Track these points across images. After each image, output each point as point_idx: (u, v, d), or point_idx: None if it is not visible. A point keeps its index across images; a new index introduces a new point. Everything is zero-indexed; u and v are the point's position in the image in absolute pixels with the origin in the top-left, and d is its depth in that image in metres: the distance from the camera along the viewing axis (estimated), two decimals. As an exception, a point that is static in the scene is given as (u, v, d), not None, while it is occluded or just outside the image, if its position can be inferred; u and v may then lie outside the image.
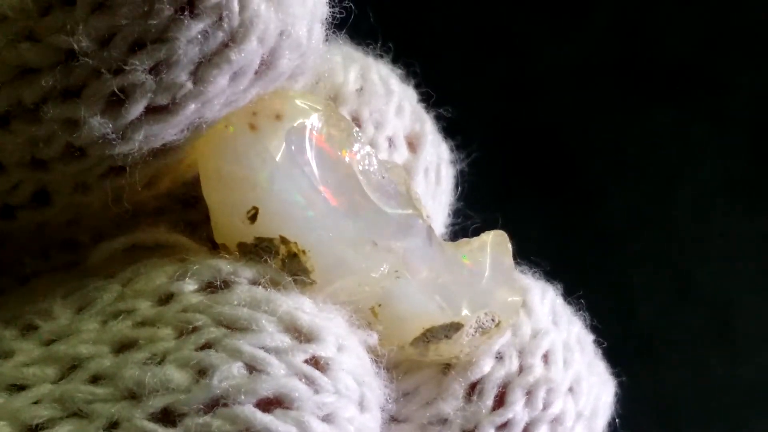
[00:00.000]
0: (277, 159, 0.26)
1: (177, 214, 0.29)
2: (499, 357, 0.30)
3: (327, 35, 0.31)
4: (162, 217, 0.29)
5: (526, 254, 0.33)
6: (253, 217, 0.26)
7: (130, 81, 0.25)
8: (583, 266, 0.80)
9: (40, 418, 0.24)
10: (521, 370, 0.30)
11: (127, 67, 0.25)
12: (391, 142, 0.32)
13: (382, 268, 0.27)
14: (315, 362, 0.25)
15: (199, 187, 0.27)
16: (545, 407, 0.30)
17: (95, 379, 0.25)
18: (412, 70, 0.34)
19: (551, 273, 0.33)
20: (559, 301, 0.33)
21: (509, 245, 0.30)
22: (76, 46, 0.24)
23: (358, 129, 0.29)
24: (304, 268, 0.27)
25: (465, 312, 0.29)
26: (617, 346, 0.34)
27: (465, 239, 0.30)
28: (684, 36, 0.84)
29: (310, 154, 0.27)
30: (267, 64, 0.26)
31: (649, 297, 0.81)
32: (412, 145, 0.33)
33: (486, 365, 0.30)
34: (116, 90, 0.25)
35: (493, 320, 0.29)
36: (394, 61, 0.34)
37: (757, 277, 0.82)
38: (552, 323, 0.31)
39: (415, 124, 0.33)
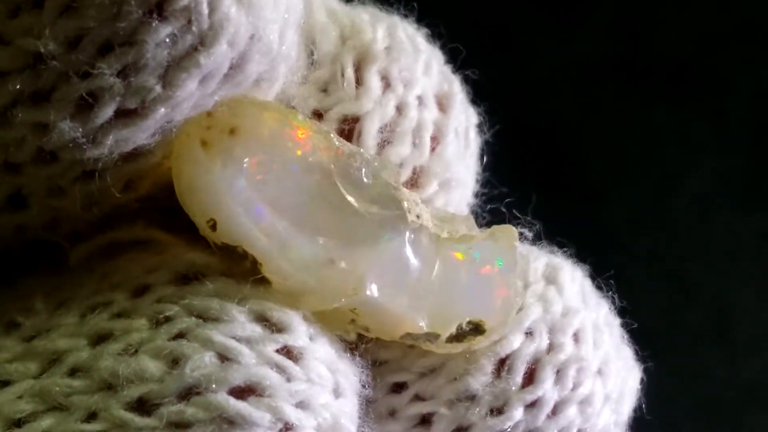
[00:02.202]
0: (226, 181, 0.26)
1: (160, 215, 0.29)
2: (529, 333, 0.30)
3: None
4: (142, 217, 0.29)
5: (520, 223, 0.32)
6: (213, 227, 0.27)
7: (98, 84, 0.25)
8: (582, 265, 0.79)
9: (22, 412, 0.25)
10: (552, 347, 0.30)
11: (95, 71, 0.24)
12: (420, 100, 0.32)
13: (338, 286, 0.27)
14: (287, 352, 0.25)
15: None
16: (575, 387, 0.30)
17: (73, 372, 0.25)
18: (437, 31, 0.34)
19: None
20: (588, 282, 0.32)
21: (515, 242, 0.29)
22: (43, 49, 0.24)
23: (333, 131, 0.28)
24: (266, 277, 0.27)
25: (438, 322, 0.28)
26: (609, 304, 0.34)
27: (470, 233, 0.29)
28: (684, 36, 0.83)
29: (266, 169, 0.26)
30: (236, 68, 0.26)
31: (649, 297, 0.81)
32: (442, 104, 0.32)
33: (516, 341, 0.30)
34: (85, 94, 0.25)
35: (477, 328, 0.29)
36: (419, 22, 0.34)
37: (757, 277, 0.82)
38: (582, 302, 0.31)
39: (443, 84, 0.33)
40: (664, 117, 0.83)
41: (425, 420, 0.30)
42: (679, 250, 0.82)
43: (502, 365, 0.29)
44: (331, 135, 0.28)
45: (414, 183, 0.32)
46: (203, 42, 0.25)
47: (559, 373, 0.30)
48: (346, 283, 0.27)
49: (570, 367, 0.30)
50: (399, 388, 0.30)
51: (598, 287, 0.33)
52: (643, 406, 0.33)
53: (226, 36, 0.25)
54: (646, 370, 0.33)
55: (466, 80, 0.34)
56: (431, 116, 0.32)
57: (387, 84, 0.31)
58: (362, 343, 0.28)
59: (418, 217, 0.28)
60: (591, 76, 0.83)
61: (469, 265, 0.29)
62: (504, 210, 0.33)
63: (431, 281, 0.28)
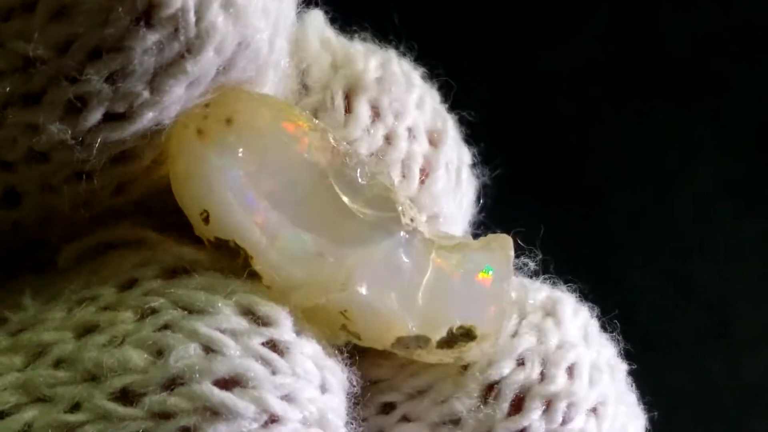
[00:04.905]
0: (221, 171, 0.26)
1: (150, 217, 0.29)
2: (521, 362, 0.29)
3: (349, 33, 0.30)
4: (132, 218, 0.29)
5: (527, 254, 0.32)
6: (206, 220, 0.27)
7: (87, 89, 0.25)
8: (583, 266, 0.79)
9: (5, 404, 0.25)
10: (543, 378, 0.29)
11: (84, 76, 0.25)
12: (411, 132, 0.32)
13: (327, 280, 0.27)
14: (272, 345, 0.25)
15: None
16: (564, 422, 0.29)
17: (58, 364, 0.25)
18: (436, 72, 0.34)
19: (551, 273, 0.32)
20: (593, 322, 0.31)
21: (511, 252, 0.29)
22: (32, 53, 0.25)
23: (330, 129, 0.28)
24: (256, 271, 0.27)
25: (428, 325, 0.28)
26: (617, 347, 0.34)
27: (465, 241, 0.29)
28: (684, 36, 0.84)
29: (261, 161, 0.27)
30: (223, 73, 0.26)
31: (649, 297, 0.81)
32: (433, 139, 0.32)
33: (506, 367, 0.29)
34: (74, 97, 0.25)
35: (468, 334, 0.28)
36: (416, 61, 0.34)
37: (757, 278, 0.82)
38: (582, 339, 0.30)
39: (436, 121, 0.32)
40: (665, 118, 0.83)
41: None
42: (679, 250, 0.82)
43: (490, 391, 0.29)
44: (328, 133, 0.28)
45: None
46: (190, 49, 0.25)
47: (549, 406, 0.29)
48: (334, 277, 0.27)
49: (560, 400, 0.29)
50: (388, 408, 0.30)
51: (605, 328, 0.32)
52: (644, 407, 0.33)
53: (212, 44, 0.25)
54: (646, 370, 0.33)
55: (469, 77, 0.34)
56: (421, 149, 0.32)
57: (376, 113, 0.31)
58: (351, 347, 0.28)
59: (412, 220, 0.28)
60: (592, 77, 0.83)
61: (463, 272, 0.28)
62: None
63: (422, 284, 0.28)
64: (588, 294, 0.32)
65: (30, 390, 0.25)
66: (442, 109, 0.33)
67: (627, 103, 0.83)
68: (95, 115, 0.25)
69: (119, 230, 0.28)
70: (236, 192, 0.26)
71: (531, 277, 0.32)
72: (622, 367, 0.32)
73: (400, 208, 0.28)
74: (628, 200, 0.83)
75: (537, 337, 0.30)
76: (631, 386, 0.32)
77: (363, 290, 0.27)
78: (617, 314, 0.32)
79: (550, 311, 0.31)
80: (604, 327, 0.32)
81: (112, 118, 0.26)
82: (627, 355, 0.32)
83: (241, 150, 0.26)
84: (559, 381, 0.29)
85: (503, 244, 0.29)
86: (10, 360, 0.26)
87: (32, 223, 0.28)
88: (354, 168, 0.27)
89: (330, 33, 0.33)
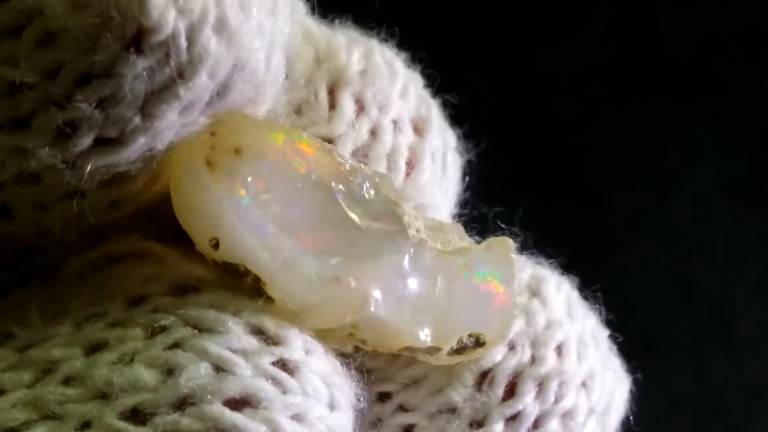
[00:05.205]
0: (231, 200, 0.26)
1: (155, 227, 0.29)
2: (512, 346, 0.30)
3: (332, 21, 0.30)
4: (137, 229, 0.29)
5: (527, 254, 0.32)
6: (215, 246, 0.26)
7: (76, 114, 0.25)
8: (583, 266, 0.79)
9: (15, 421, 0.25)
10: (533, 360, 0.30)
11: (73, 102, 0.24)
12: (396, 124, 0.31)
13: (344, 305, 0.27)
14: (282, 365, 0.25)
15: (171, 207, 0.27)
16: (557, 400, 0.30)
17: (67, 381, 0.25)
18: (419, 56, 0.34)
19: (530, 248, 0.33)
20: (575, 294, 0.32)
21: (513, 255, 0.29)
22: (18, 79, 0.24)
23: (335, 148, 0.28)
24: (268, 295, 0.27)
25: (442, 336, 0.28)
26: (617, 346, 0.34)
27: (467, 245, 0.29)
28: (684, 36, 0.84)
29: (271, 187, 0.27)
30: (219, 96, 0.26)
31: (649, 297, 0.81)
32: (418, 128, 0.32)
33: (498, 353, 0.29)
34: (63, 123, 0.25)
35: (477, 341, 0.28)
36: (400, 47, 0.33)
37: (757, 278, 0.82)
38: (567, 315, 0.31)
39: (420, 108, 0.32)
40: (665, 118, 0.83)
41: (408, 431, 0.30)
42: (679, 250, 0.82)
43: (484, 378, 0.29)
44: (334, 152, 0.27)
45: None
46: (182, 75, 0.25)
47: (541, 387, 0.30)
48: (351, 301, 0.27)
49: (552, 380, 0.30)
50: (384, 397, 0.30)
51: (586, 298, 0.32)
52: (644, 407, 0.33)
53: (205, 68, 0.25)
54: (646, 370, 0.33)
55: (445, 104, 0.34)
56: (406, 141, 0.32)
57: (361, 107, 0.31)
58: (359, 355, 0.28)
59: (417, 231, 0.28)
60: (592, 77, 0.83)
61: (468, 278, 0.29)
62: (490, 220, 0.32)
63: (433, 295, 0.28)
64: (586, 296, 0.33)
65: (39, 407, 0.25)
66: (425, 94, 0.33)
67: (627, 103, 0.83)
68: (85, 141, 0.25)
69: (124, 243, 0.28)
70: (248, 222, 0.26)
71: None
72: (604, 334, 0.32)
73: (405, 219, 0.28)
74: (628, 200, 0.83)
75: (525, 320, 0.30)
76: (613, 349, 0.32)
77: (378, 310, 0.27)
78: (617, 314, 0.33)
79: (535, 291, 0.31)
80: (585, 297, 0.32)
81: (103, 143, 0.25)
82: (627, 355, 0.33)
83: (250, 179, 0.26)
84: (549, 361, 0.30)
85: (504, 247, 0.29)
86: (18, 376, 0.25)
87: (26, 235, 0.28)
88: (359, 184, 0.27)
89: (312, 24, 0.32)
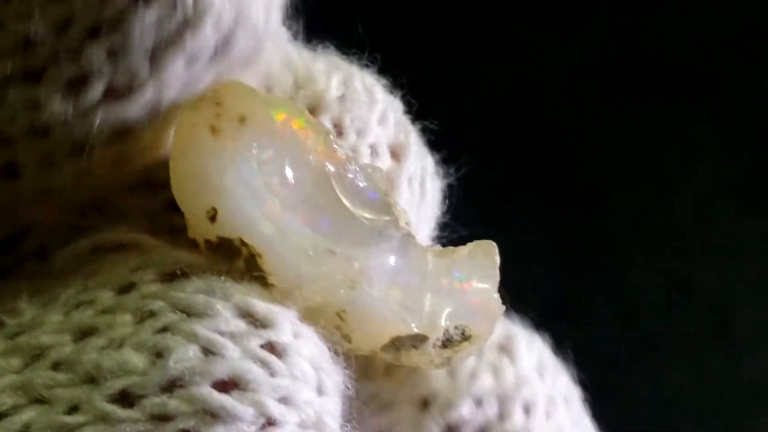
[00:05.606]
0: (235, 166, 0.27)
1: (142, 221, 0.29)
2: (479, 402, 0.30)
3: (314, 45, 0.31)
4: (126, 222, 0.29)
5: (527, 254, 0.32)
6: (212, 218, 0.27)
7: (87, 66, 0.26)
8: (583, 266, 0.80)
9: (3, 405, 0.25)
10: (501, 416, 0.30)
11: (84, 53, 0.26)
12: (373, 149, 0.32)
13: (338, 277, 0.27)
14: (270, 347, 0.25)
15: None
16: None
17: (56, 366, 0.25)
18: (399, 82, 0.34)
19: (550, 274, 0.33)
20: (547, 352, 0.32)
21: (497, 257, 0.29)
22: (32, 33, 0.25)
23: (333, 132, 0.29)
24: (262, 270, 0.27)
25: (429, 324, 0.28)
26: (617, 346, 0.34)
27: (451, 247, 0.29)
28: (684, 36, 0.84)
29: (272, 160, 0.27)
30: (222, 48, 0.27)
31: (649, 297, 0.81)
32: (396, 154, 0.32)
33: (465, 408, 0.30)
34: (74, 74, 0.26)
35: (463, 334, 0.29)
36: (383, 70, 0.34)
37: (757, 278, 0.82)
38: (537, 373, 0.31)
39: (399, 135, 0.32)
40: (665, 118, 0.83)
41: None
42: (679, 250, 0.82)
43: None
44: (330, 137, 0.28)
45: None
46: (188, 24, 0.26)
47: None
48: (345, 274, 0.27)
49: None
50: None
51: (556, 353, 0.33)
52: (644, 407, 0.33)
53: (210, 18, 0.26)
54: (646, 370, 0.34)
55: (469, 78, 0.34)
56: (384, 165, 0.32)
57: (339, 132, 0.31)
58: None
59: (407, 224, 0.28)
60: (592, 77, 0.83)
61: (451, 279, 0.29)
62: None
63: (420, 286, 0.28)
64: (586, 296, 0.33)
65: (28, 391, 0.25)
66: (405, 121, 0.33)
67: (627, 103, 0.83)
68: (96, 92, 0.26)
69: (114, 234, 0.28)
70: (250, 187, 0.27)
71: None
72: (576, 392, 0.33)
73: (396, 211, 0.28)
74: (628, 200, 0.83)
75: (493, 376, 0.31)
76: (586, 409, 0.33)
77: (371, 288, 0.27)
78: (617, 314, 0.33)
79: (505, 348, 0.32)
80: (556, 353, 0.33)
81: (112, 94, 0.26)
82: (627, 355, 0.33)
83: (255, 146, 0.27)
84: (516, 418, 0.30)
85: (489, 249, 0.29)
86: (7, 362, 0.26)
87: (31, 198, 0.28)
88: (354, 172, 0.28)
89: (292, 50, 0.33)
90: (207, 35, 0.26)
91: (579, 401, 0.33)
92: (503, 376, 0.31)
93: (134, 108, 0.27)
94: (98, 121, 0.26)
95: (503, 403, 0.30)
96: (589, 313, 0.76)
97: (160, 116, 0.27)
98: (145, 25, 0.25)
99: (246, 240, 0.27)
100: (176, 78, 0.27)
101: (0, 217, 0.29)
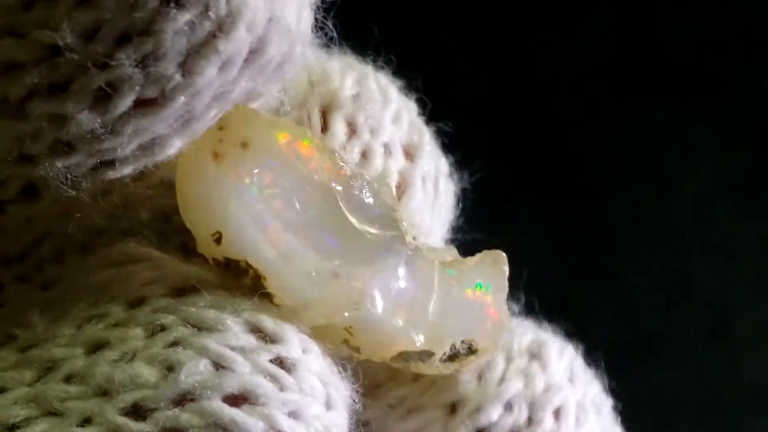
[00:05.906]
0: (237, 192, 0.26)
1: (155, 237, 0.29)
2: (509, 406, 0.30)
3: (328, 47, 0.30)
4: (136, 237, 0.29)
5: (527, 254, 0.32)
6: (218, 240, 0.27)
7: (117, 75, 0.24)
8: (583, 266, 0.80)
9: (16, 417, 0.25)
10: (530, 422, 0.30)
11: (113, 62, 0.24)
12: (387, 148, 0.32)
13: (341, 300, 0.27)
14: (280, 362, 0.25)
15: None
16: None
17: (69, 379, 0.25)
18: (414, 84, 0.34)
19: (550, 274, 0.33)
20: (579, 361, 0.32)
21: (505, 267, 0.30)
22: (60, 42, 0.24)
23: (338, 150, 0.29)
24: (267, 291, 0.27)
25: (435, 341, 0.28)
26: (617, 346, 0.34)
27: (459, 258, 0.29)
28: (684, 37, 0.84)
29: (274, 183, 0.27)
30: (256, 52, 0.26)
31: (649, 297, 0.81)
32: (409, 154, 0.32)
33: (495, 413, 0.30)
34: (103, 84, 0.25)
35: (470, 348, 0.29)
36: (397, 72, 0.34)
37: (757, 278, 0.82)
38: (568, 380, 0.31)
39: (413, 135, 0.33)
40: (665, 118, 0.83)
41: None
42: (679, 250, 0.83)
43: None
44: (336, 155, 0.28)
45: None
46: (221, 28, 0.25)
47: None
48: (348, 296, 0.27)
49: None
50: None
51: (588, 363, 0.33)
52: (644, 407, 0.33)
53: (244, 21, 0.25)
54: (646, 370, 0.33)
55: (470, 78, 0.34)
56: (397, 165, 0.32)
57: (353, 130, 0.31)
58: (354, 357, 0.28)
59: (414, 238, 0.29)
60: (592, 77, 0.83)
61: (461, 288, 0.29)
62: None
63: (427, 301, 0.28)
64: (586, 296, 0.32)
65: (41, 403, 0.25)
66: (419, 121, 0.33)
67: (627, 103, 0.83)
68: (126, 102, 0.25)
69: (125, 248, 0.28)
70: (252, 213, 0.27)
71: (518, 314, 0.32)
72: (608, 402, 0.32)
73: (403, 226, 0.28)
74: (628, 200, 0.83)
75: (524, 382, 0.30)
76: (617, 420, 0.33)
77: (375, 308, 0.27)
78: (617, 314, 0.33)
79: (536, 354, 0.31)
80: (588, 363, 0.32)
81: (143, 104, 0.25)
82: (627, 355, 0.33)
83: (256, 171, 0.27)
84: (546, 424, 0.30)
85: (498, 259, 0.30)
86: (20, 375, 0.26)
87: (51, 215, 0.28)
88: (360, 188, 0.28)
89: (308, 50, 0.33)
90: (241, 38, 0.25)
91: (609, 410, 0.32)
92: (534, 382, 0.30)
93: (165, 117, 0.25)
94: (128, 132, 0.25)
95: (533, 408, 0.30)
96: (589, 312, 0.76)
97: (190, 125, 0.26)
98: (177, 28, 0.24)
99: (251, 263, 0.27)
100: (209, 84, 0.25)
101: (17, 232, 0.29)
